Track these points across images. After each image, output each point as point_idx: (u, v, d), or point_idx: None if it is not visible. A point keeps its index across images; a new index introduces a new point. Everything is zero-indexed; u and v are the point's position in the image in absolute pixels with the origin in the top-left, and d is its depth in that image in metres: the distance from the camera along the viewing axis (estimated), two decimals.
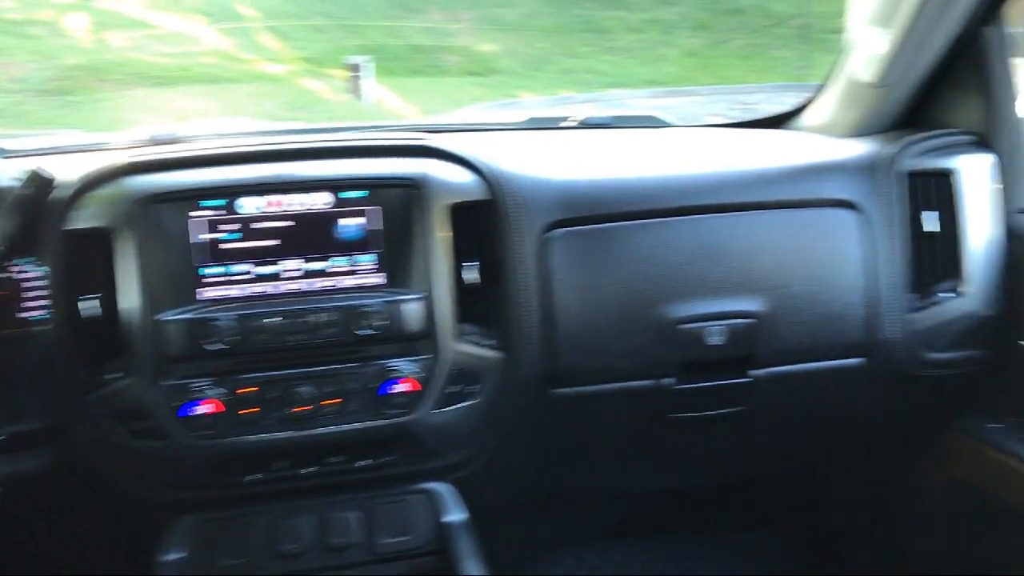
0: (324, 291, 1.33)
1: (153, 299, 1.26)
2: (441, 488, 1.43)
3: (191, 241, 1.29)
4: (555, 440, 1.54)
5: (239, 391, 1.29)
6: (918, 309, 1.48)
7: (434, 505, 1.42)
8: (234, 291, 1.31)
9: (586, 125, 1.85)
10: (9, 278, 1.28)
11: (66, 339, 1.27)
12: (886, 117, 1.61)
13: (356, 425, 1.32)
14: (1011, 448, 1.47)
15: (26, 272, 1.28)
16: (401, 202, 1.35)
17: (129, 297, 1.26)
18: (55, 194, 1.29)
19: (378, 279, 1.35)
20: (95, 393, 1.28)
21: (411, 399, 1.33)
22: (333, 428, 1.32)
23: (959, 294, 1.49)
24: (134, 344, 1.26)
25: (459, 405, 1.37)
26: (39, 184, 1.28)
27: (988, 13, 1.47)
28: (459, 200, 1.36)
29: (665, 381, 1.45)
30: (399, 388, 1.33)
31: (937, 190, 1.49)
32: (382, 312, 1.31)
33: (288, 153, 1.37)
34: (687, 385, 1.46)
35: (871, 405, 1.58)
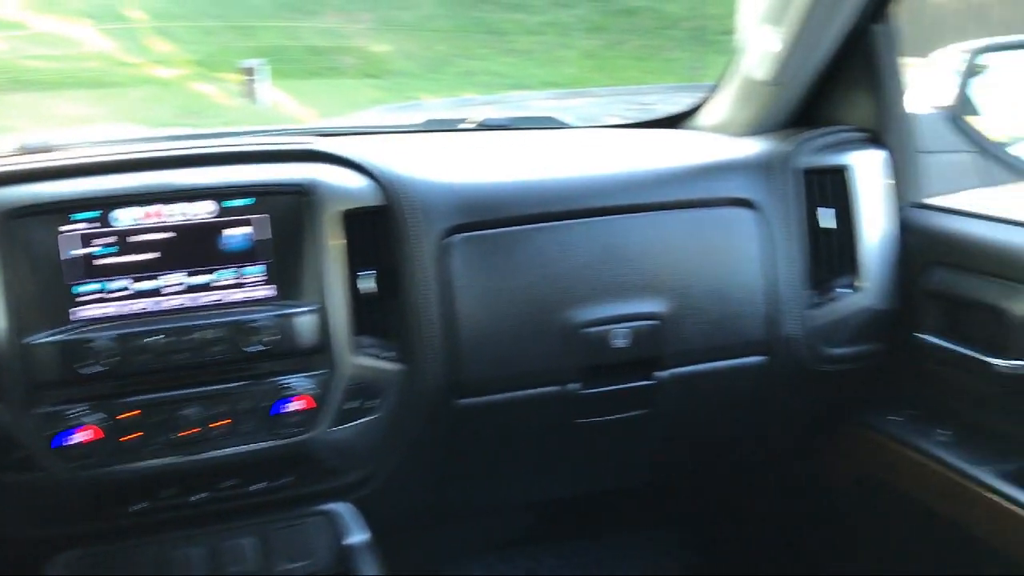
0: (210, 306, 1.25)
1: (20, 321, 1.17)
2: (341, 509, 1.37)
3: (62, 257, 1.20)
4: (460, 452, 1.50)
5: (120, 416, 1.20)
6: (817, 305, 1.49)
7: (334, 527, 1.36)
8: (111, 309, 1.22)
9: (485, 127, 1.81)
10: None
11: None
12: (781, 115, 1.62)
13: (249, 447, 1.25)
14: (910, 440, 1.49)
15: None
16: (290, 210, 1.28)
17: None
18: None
19: (268, 292, 1.28)
20: None
21: (307, 417, 1.27)
22: (224, 451, 1.24)
23: (856, 289, 1.50)
24: (0, 371, 1.17)
25: (358, 421, 1.31)
26: None
27: (877, 10, 1.49)
28: (352, 206, 1.30)
29: (571, 387, 1.42)
30: (293, 406, 1.26)
31: (832, 187, 1.51)
32: (272, 327, 1.24)
33: (167, 160, 1.29)
34: (593, 390, 1.43)
35: (774, 402, 1.59)
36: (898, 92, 1.54)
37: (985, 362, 1.36)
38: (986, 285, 1.38)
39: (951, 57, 1.61)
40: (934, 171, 1.57)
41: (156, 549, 1.29)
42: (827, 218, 1.50)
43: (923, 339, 1.47)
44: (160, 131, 1.82)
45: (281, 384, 1.26)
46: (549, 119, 1.87)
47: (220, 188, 1.26)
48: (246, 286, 1.27)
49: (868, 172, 1.52)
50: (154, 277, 1.24)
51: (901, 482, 1.51)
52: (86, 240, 1.21)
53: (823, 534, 1.77)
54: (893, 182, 1.53)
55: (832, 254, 1.50)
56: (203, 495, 1.28)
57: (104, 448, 1.19)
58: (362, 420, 1.31)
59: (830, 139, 1.53)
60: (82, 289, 1.21)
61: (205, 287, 1.26)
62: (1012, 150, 1.66)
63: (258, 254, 1.27)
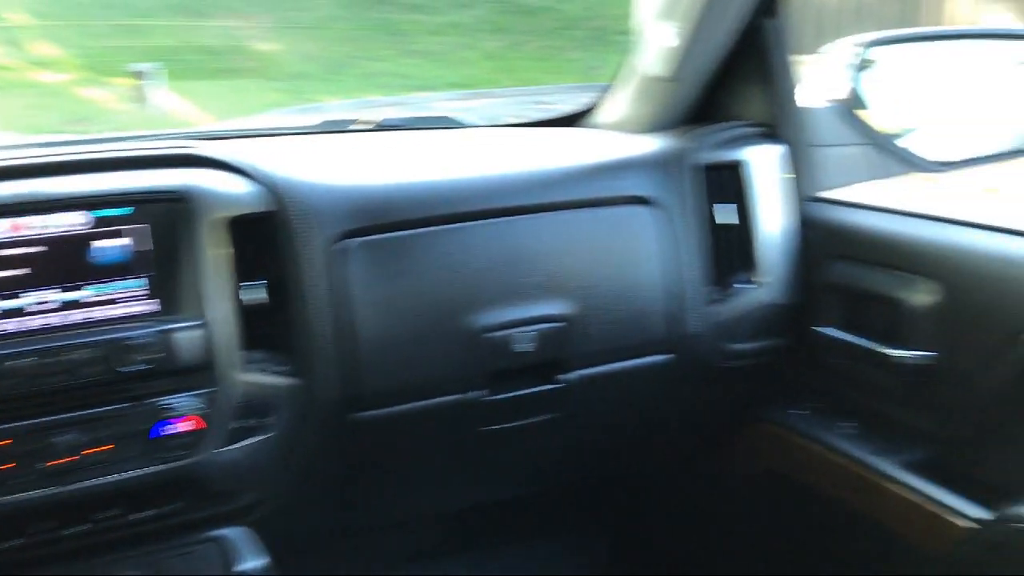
0: (84, 324, 1.17)
1: None
2: (236, 533, 1.29)
3: None
4: (362, 467, 1.44)
5: None
6: (718, 302, 1.49)
7: (227, 553, 1.28)
8: None
9: (382, 127, 1.76)
10: None
11: None
12: (678, 111, 1.61)
13: (131, 474, 1.17)
14: (814, 434, 1.50)
15: None
16: (171, 219, 1.20)
17: None
18: None
19: (149, 307, 1.20)
20: None
21: (193, 439, 1.19)
22: (103, 479, 1.15)
23: (757, 284, 1.51)
24: None
25: (250, 440, 1.24)
26: None
27: (768, 5, 1.49)
28: (237, 213, 1.23)
29: (474, 394, 1.38)
30: (178, 428, 1.18)
31: (730, 182, 1.51)
32: (152, 344, 1.16)
33: (34, 169, 1.19)
34: (498, 396, 1.39)
35: (681, 400, 1.58)
36: (791, 86, 1.55)
37: (883, 353, 1.37)
38: (883, 277, 1.40)
39: (842, 51, 1.63)
40: (830, 165, 1.58)
41: None
42: (726, 214, 1.50)
43: (823, 332, 1.48)
44: (37, 138, 1.71)
45: (164, 405, 1.18)
46: (447, 119, 1.83)
47: (91, 197, 1.17)
48: (125, 301, 1.19)
49: (765, 167, 1.52)
50: (18, 295, 1.14)
51: (807, 476, 1.51)
52: None
53: (732, 530, 1.77)
54: (790, 176, 1.54)
55: (732, 250, 1.50)
56: (83, 527, 1.19)
57: None
58: (254, 439, 1.24)
59: (727, 134, 1.53)
60: None
61: (78, 304, 1.17)
62: (901, 142, 1.68)
63: (138, 267, 1.19)
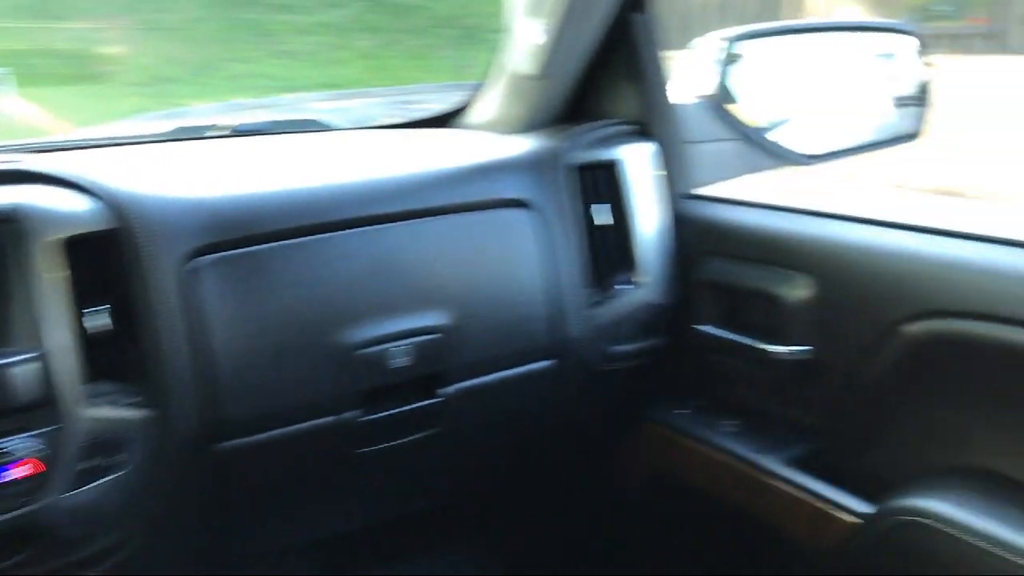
0: None
1: None
2: None
3: None
4: (230, 499, 1.34)
5: None
6: (598, 304, 1.46)
7: None
8: None
9: (239, 133, 1.65)
10: None
11: None
12: (551, 110, 1.58)
13: None
14: (697, 433, 1.49)
15: None
16: (1, 243, 1.08)
17: None
18: None
19: None
20: None
21: (34, 484, 1.07)
22: None
23: (635, 284, 1.49)
24: None
25: (100, 481, 1.12)
26: None
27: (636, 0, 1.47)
28: (74, 232, 1.11)
29: (348, 415, 1.30)
30: (16, 473, 1.06)
31: (605, 182, 1.48)
32: None
33: None
34: (374, 415, 1.32)
35: (565, 407, 1.55)
36: (662, 83, 1.53)
37: (762, 349, 1.37)
38: (758, 272, 1.39)
39: (710, 46, 1.63)
40: (702, 161, 1.58)
41: None
42: (602, 214, 1.47)
43: (703, 330, 1.47)
44: None
45: None
46: (311, 122, 1.74)
47: None
48: None
49: (639, 165, 1.50)
50: None
51: (693, 476, 1.50)
52: None
53: (623, 535, 1.75)
54: (664, 174, 1.52)
55: (610, 250, 1.48)
56: None
57: None
58: (104, 479, 1.13)
59: (599, 133, 1.50)
60: None
61: None
62: (770, 136, 1.69)
63: None
